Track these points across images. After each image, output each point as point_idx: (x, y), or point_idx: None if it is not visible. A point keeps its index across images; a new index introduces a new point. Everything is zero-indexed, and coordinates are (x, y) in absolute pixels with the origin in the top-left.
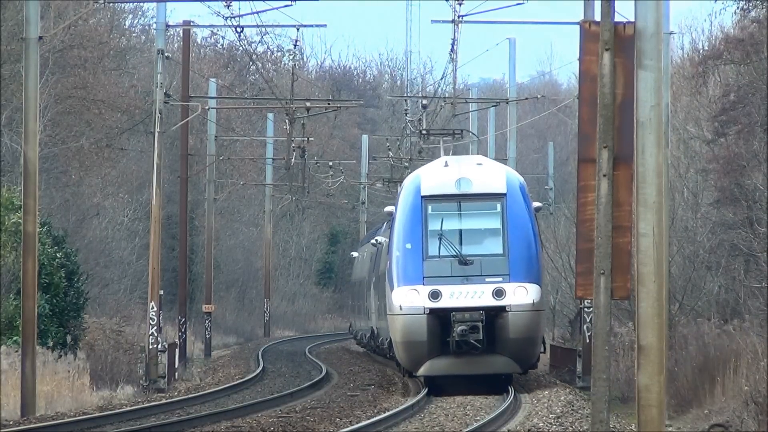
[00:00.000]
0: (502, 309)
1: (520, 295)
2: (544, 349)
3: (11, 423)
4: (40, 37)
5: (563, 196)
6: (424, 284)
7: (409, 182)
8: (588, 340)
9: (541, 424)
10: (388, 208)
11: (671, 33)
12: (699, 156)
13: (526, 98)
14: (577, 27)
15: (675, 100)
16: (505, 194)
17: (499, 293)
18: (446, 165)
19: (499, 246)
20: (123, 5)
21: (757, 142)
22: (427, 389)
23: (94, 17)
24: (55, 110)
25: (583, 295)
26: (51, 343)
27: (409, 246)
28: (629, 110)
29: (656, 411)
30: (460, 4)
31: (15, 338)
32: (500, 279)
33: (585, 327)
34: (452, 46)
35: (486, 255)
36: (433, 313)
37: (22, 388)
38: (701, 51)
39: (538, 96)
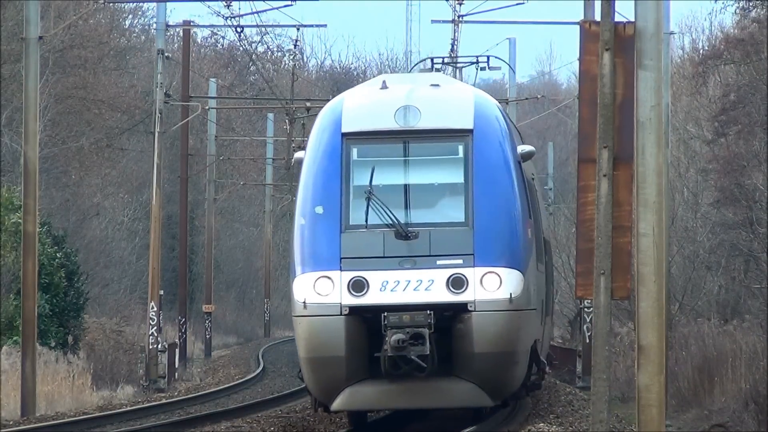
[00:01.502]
0: (462, 308)
1: (491, 285)
2: (545, 366)
3: (11, 423)
4: (40, 37)
5: (563, 196)
6: (341, 269)
7: (325, 112)
8: (588, 340)
9: (541, 424)
10: (299, 155)
11: (671, 33)
12: (699, 156)
13: (526, 98)
14: (577, 27)
15: (675, 100)
16: (471, 130)
17: (457, 283)
18: (384, 86)
19: (459, 210)
20: (123, 5)
21: (757, 142)
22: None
23: (94, 17)
24: (55, 110)
25: (583, 295)
26: (53, 344)
27: (319, 210)
28: (629, 110)
29: (656, 411)
30: (460, 4)
31: (15, 338)
32: (460, 261)
33: (585, 327)
34: (452, 46)
35: (439, 224)
36: (356, 313)
37: (22, 388)
38: (701, 51)
39: (538, 96)
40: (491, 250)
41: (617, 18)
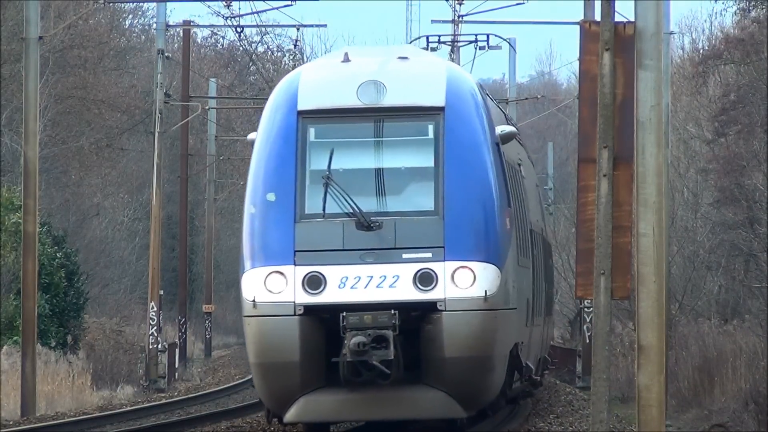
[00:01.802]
0: (430, 307)
1: (463, 282)
2: (531, 372)
3: (11, 423)
4: (40, 37)
5: (563, 196)
6: (295, 264)
7: (280, 88)
8: (588, 340)
9: (541, 424)
10: (251, 136)
11: (671, 33)
12: (699, 156)
13: (526, 98)
14: (577, 27)
15: (675, 100)
16: (443, 108)
17: (425, 279)
18: (346, 59)
19: (428, 198)
20: (123, 5)
21: (757, 142)
22: None
23: (94, 17)
24: (55, 110)
25: (583, 295)
26: (53, 344)
27: (271, 198)
28: (629, 110)
29: (656, 411)
30: (460, 4)
31: (15, 338)
32: (429, 255)
33: (585, 327)
34: (452, 46)
35: (406, 213)
36: (312, 313)
37: (22, 388)
38: (701, 51)
39: (538, 96)
40: (464, 243)
41: (617, 18)
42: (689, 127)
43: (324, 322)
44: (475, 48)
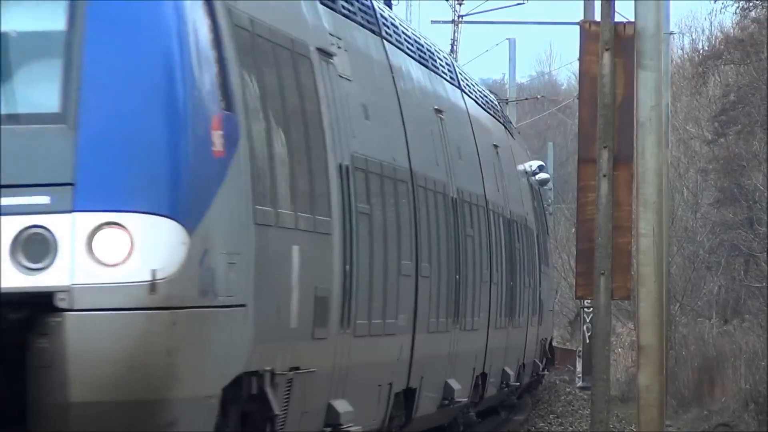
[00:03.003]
0: (44, 302)
1: (110, 253)
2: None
3: None
4: None
5: (563, 196)
6: None
7: None
8: (588, 340)
9: (541, 424)
10: None
11: (671, 33)
12: (699, 156)
13: (526, 98)
14: (577, 27)
15: (675, 100)
16: None
17: (35, 248)
18: None
19: (50, 90)
20: None
21: (757, 142)
22: None
23: None
24: None
25: (583, 295)
26: None
27: None
28: (629, 110)
29: (656, 411)
30: (460, 5)
31: None
32: (45, 200)
33: (585, 327)
34: (452, 46)
35: (4, 119)
36: None
37: None
38: (701, 51)
39: (538, 96)
40: (113, 176)
41: (617, 18)
42: (689, 127)
43: None
44: None
